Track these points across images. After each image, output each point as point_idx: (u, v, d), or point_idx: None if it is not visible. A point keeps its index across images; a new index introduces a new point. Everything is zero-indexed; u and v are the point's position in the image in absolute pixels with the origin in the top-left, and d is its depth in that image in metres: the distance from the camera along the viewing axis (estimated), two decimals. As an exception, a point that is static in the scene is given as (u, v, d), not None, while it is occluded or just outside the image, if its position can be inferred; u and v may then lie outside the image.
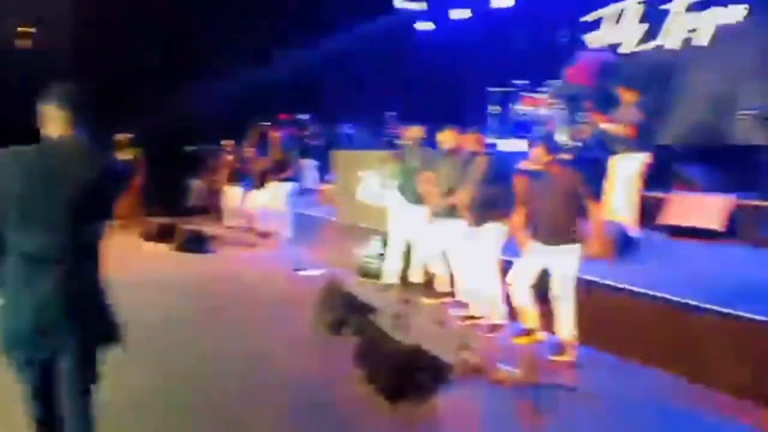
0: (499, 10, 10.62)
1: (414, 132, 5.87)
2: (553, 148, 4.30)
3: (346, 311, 4.71)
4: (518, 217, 4.30)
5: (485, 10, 10.88)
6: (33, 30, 11.13)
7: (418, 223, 5.70)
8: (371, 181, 7.67)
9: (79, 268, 2.27)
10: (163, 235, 8.53)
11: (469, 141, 4.88)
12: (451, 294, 5.34)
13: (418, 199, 5.64)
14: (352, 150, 10.41)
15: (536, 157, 4.14)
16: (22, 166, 2.21)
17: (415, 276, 5.88)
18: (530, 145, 7.29)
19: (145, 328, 4.88)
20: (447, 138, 5.15)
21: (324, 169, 11.30)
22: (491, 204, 4.58)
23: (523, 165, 4.83)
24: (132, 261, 7.13)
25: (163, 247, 8.36)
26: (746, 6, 7.25)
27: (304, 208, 8.80)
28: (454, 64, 10.99)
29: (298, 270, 6.98)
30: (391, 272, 6.11)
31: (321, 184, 10.69)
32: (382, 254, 6.37)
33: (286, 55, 12.30)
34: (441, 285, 5.44)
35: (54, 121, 2.29)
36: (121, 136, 9.28)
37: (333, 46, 12.04)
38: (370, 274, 6.45)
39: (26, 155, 2.23)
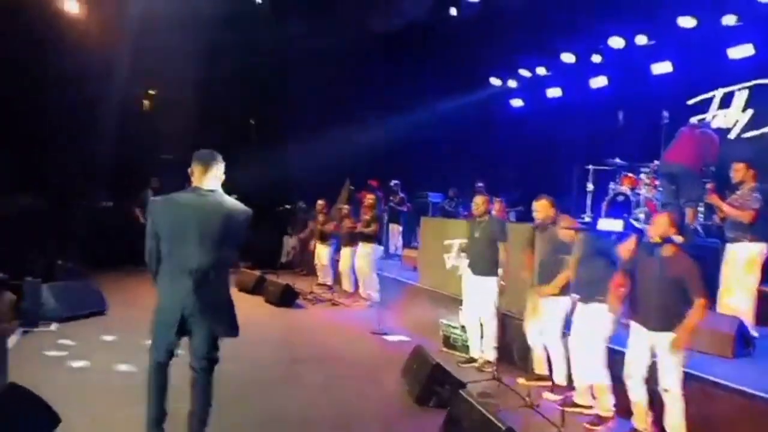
0: (596, 90, 10.65)
1: (479, 203, 5.84)
2: (677, 220, 4.07)
3: (433, 382, 4.61)
4: (617, 285, 4.04)
5: (581, 90, 10.93)
6: (153, 93, 12.40)
7: (484, 295, 5.62)
8: (455, 249, 7.68)
9: (214, 279, 3.29)
10: (257, 287, 8.90)
11: (563, 219, 4.77)
12: (549, 376, 5.09)
13: (481, 271, 5.62)
14: (439, 217, 10.53)
15: (659, 227, 3.88)
16: (186, 208, 3.26)
17: (488, 352, 5.69)
18: (636, 221, 7.12)
19: (230, 374, 5.04)
20: (542, 207, 5.02)
21: (409, 235, 11.46)
22: (597, 283, 4.40)
23: (625, 248, 4.59)
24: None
25: (255, 298, 8.70)
26: None
27: (390, 272, 8.87)
28: (549, 140, 10.99)
29: (383, 333, 6.97)
30: (476, 345, 5.95)
31: (406, 249, 10.79)
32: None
33: (381, 122, 12.85)
34: (538, 365, 5.19)
35: (201, 176, 3.34)
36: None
37: (427, 116, 12.45)
38: (455, 346, 6.31)
39: (187, 201, 3.28)
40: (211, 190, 3.34)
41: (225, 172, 3.47)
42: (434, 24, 12.46)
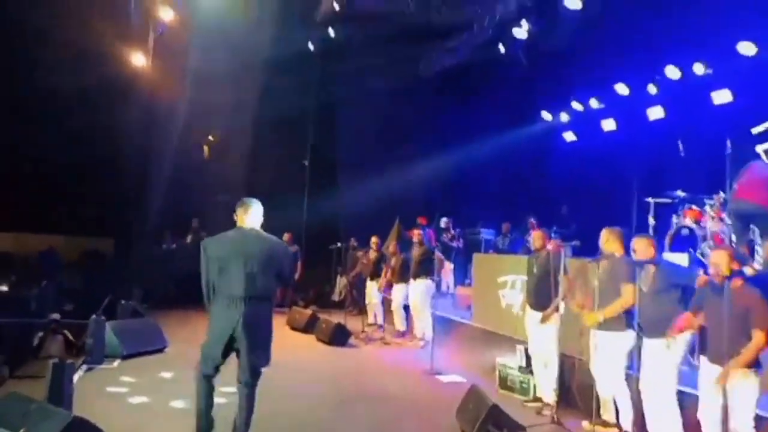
0: (654, 121, 10.34)
1: (537, 237, 5.79)
2: (738, 256, 3.89)
3: (490, 425, 4.42)
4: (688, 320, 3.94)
5: (637, 121, 10.65)
6: (212, 139, 12.97)
7: (544, 332, 5.44)
8: (510, 286, 7.49)
9: (258, 305, 3.86)
10: (309, 325, 8.94)
11: (640, 245, 4.51)
12: (617, 424, 4.76)
13: (542, 306, 5.49)
14: (491, 254, 10.33)
15: (719, 264, 3.75)
16: (231, 244, 3.91)
17: (546, 393, 5.44)
18: (702, 255, 6.75)
19: (281, 412, 5.01)
20: (608, 238, 4.81)
21: (462, 273, 11.28)
22: (667, 319, 4.18)
23: (701, 279, 4.38)
24: (279, 346, 7.48)
25: (307, 337, 8.72)
26: None
27: (442, 310, 8.71)
28: (604, 174, 10.70)
29: (437, 374, 6.80)
30: (537, 387, 5.71)
31: (459, 287, 10.60)
32: (524, 366, 6.00)
33: (433, 159, 12.90)
34: (605, 409, 4.87)
35: (243, 217, 4.02)
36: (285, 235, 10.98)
37: (479, 152, 12.41)
38: (512, 387, 6.07)
39: (233, 238, 3.95)
40: (252, 228, 3.99)
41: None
42: (483, 61, 12.56)
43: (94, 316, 6.43)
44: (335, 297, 12.14)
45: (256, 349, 3.87)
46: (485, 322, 7.85)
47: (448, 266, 10.97)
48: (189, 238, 11.53)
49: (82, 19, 9.69)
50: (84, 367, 6.11)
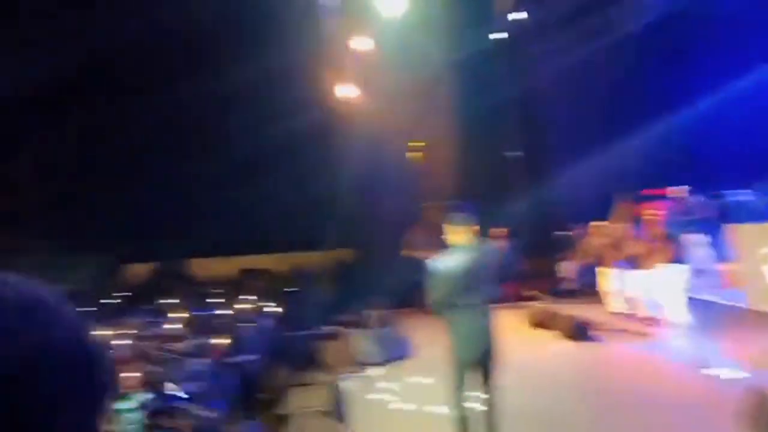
0: None
1: None
2: None
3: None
4: None
5: None
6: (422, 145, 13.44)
7: None
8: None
9: (489, 312, 4.13)
10: (547, 321, 8.66)
11: None
12: None
13: None
14: (754, 223, 8.80)
15: None
16: (462, 259, 4.06)
17: None
18: None
19: (527, 419, 4.87)
20: None
21: (719, 246, 9.80)
22: None
23: None
24: (519, 344, 7.40)
25: (548, 333, 8.42)
26: None
27: (700, 292, 7.68)
28: None
29: (703, 367, 6.01)
30: None
31: (718, 263, 9.21)
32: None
33: (648, 127, 11.60)
34: None
35: (457, 237, 4.14)
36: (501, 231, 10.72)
37: (699, 113, 10.79)
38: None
39: (463, 254, 4.11)
40: (473, 242, 4.16)
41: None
42: (690, 13, 10.92)
43: (353, 328, 7.14)
44: (563, 286, 11.60)
45: (494, 356, 4.07)
46: (761, 302, 6.72)
47: (700, 239, 9.60)
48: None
49: (302, 68, 11.01)
50: (348, 375, 6.78)
